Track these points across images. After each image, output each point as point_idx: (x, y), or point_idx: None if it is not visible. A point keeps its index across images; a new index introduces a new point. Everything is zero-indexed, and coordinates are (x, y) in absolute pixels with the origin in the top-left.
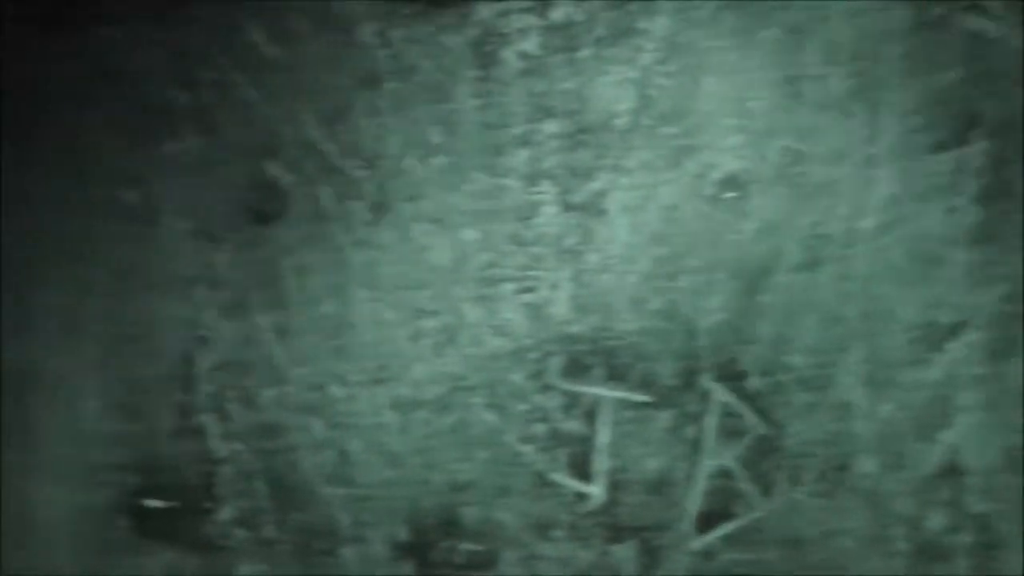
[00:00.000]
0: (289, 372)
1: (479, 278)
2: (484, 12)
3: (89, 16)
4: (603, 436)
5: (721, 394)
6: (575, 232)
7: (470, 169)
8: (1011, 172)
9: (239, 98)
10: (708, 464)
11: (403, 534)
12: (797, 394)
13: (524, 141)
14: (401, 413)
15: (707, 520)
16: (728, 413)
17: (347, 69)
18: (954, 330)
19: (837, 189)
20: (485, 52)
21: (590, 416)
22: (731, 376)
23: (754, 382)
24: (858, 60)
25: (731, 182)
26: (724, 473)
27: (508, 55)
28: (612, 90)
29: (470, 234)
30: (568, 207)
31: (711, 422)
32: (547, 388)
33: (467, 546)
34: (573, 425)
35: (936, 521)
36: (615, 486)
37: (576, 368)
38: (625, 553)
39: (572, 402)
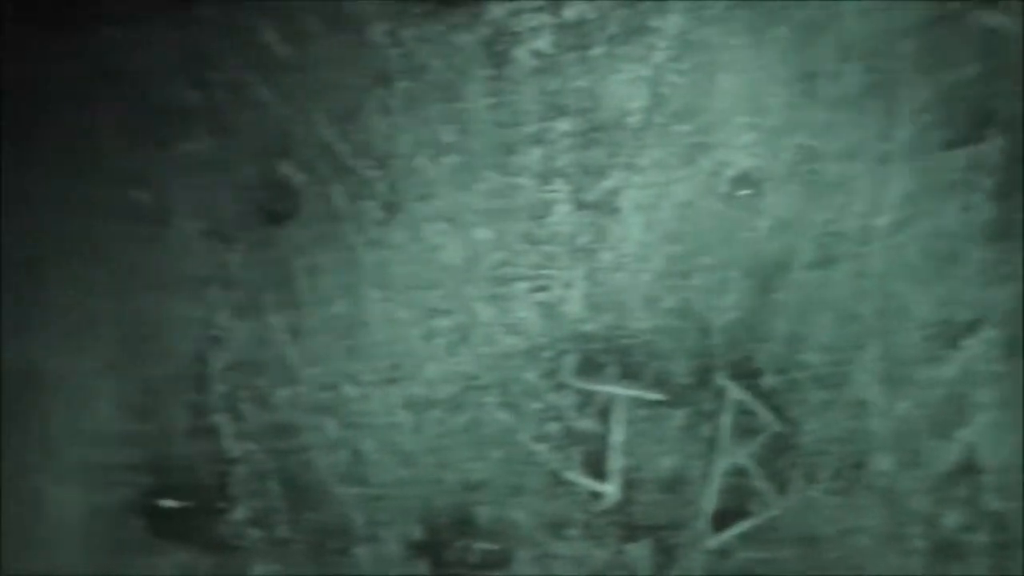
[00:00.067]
0: (302, 372)
1: (492, 277)
2: (496, 11)
3: (98, 16)
4: (617, 435)
5: (736, 392)
6: (588, 230)
7: (482, 168)
8: None
9: (251, 98)
10: (723, 462)
11: (417, 533)
12: (812, 392)
13: (537, 139)
14: (414, 412)
15: (722, 518)
16: (743, 411)
17: (358, 69)
18: (970, 327)
19: (852, 186)
20: (497, 51)
21: (604, 415)
22: (746, 374)
23: (769, 380)
24: (872, 57)
25: (745, 180)
26: (739, 471)
27: (520, 54)
28: (625, 88)
29: (483, 233)
30: (581, 205)
31: (726, 420)
32: (561, 387)
33: (481, 545)
34: (587, 424)
35: (953, 519)
36: (630, 485)
37: (590, 367)
38: (640, 552)
39: (586, 401)
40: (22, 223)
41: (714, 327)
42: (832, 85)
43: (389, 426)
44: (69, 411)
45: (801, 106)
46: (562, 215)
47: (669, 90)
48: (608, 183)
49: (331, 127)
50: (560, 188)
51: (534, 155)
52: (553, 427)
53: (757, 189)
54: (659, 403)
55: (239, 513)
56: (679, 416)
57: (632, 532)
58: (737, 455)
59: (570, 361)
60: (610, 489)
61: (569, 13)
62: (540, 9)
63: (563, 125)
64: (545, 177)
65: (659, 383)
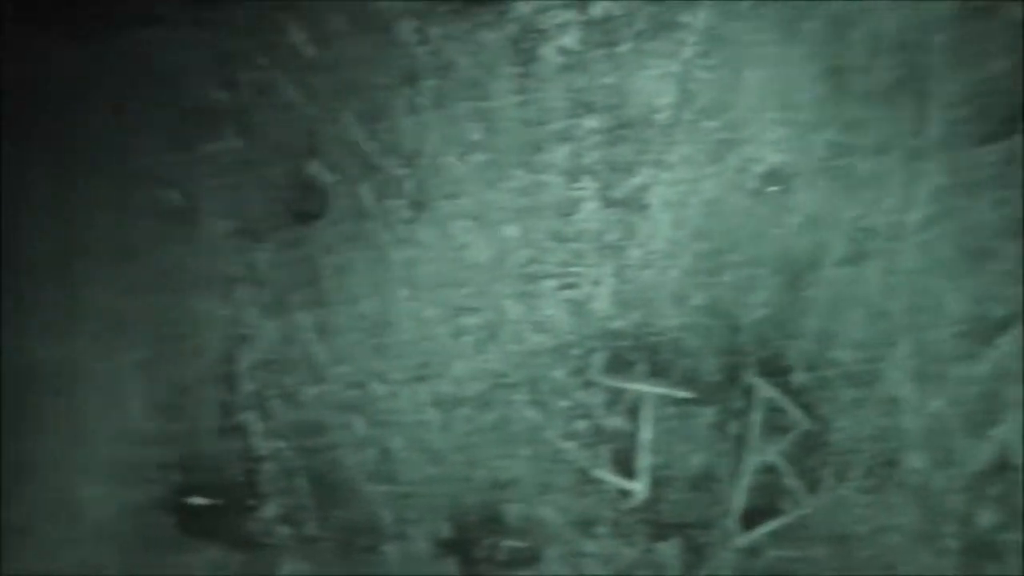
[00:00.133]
0: (330, 370)
1: (520, 275)
2: (522, 8)
3: (128, 18)
4: (646, 432)
5: (765, 390)
6: (617, 228)
7: (510, 166)
8: None
9: (279, 98)
10: (753, 460)
11: (445, 531)
12: (843, 389)
13: (564, 137)
14: (442, 410)
15: (752, 517)
16: (773, 409)
17: (386, 68)
18: (1004, 324)
19: (883, 182)
20: (524, 48)
21: (633, 412)
22: (776, 371)
23: (799, 377)
24: (903, 51)
25: (774, 176)
26: (769, 469)
27: (547, 51)
28: (653, 84)
29: (510, 231)
30: (609, 203)
31: (755, 418)
32: (589, 384)
33: (510, 543)
34: (616, 421)
35: (986, 518)
36: (658, 483)
37: (618, 364)
38: (669, 550)
39: (615, 398)
40: (53, 223)
41: (743, 324)
42: (863, 80)
43: (417, 424)
44: (100, 410)
45: (831, 101)
46: (590, 212)
47: (697, 86)
48: (636, 180)
49: (359, 126)
50: (588, 185)
51: (562, 152)
52: (581, 425)
53: (787, 185)
54: (688, 401)
55: (268, 511)
56: (708, 414)
57: (661, 530)
58: (767, 453)
59: (598, 359)
60: (639, 487)
61: (596, 10)
62: (567, 6)
63: (591, 122)
64: (573, 174)
65: (688, 381)
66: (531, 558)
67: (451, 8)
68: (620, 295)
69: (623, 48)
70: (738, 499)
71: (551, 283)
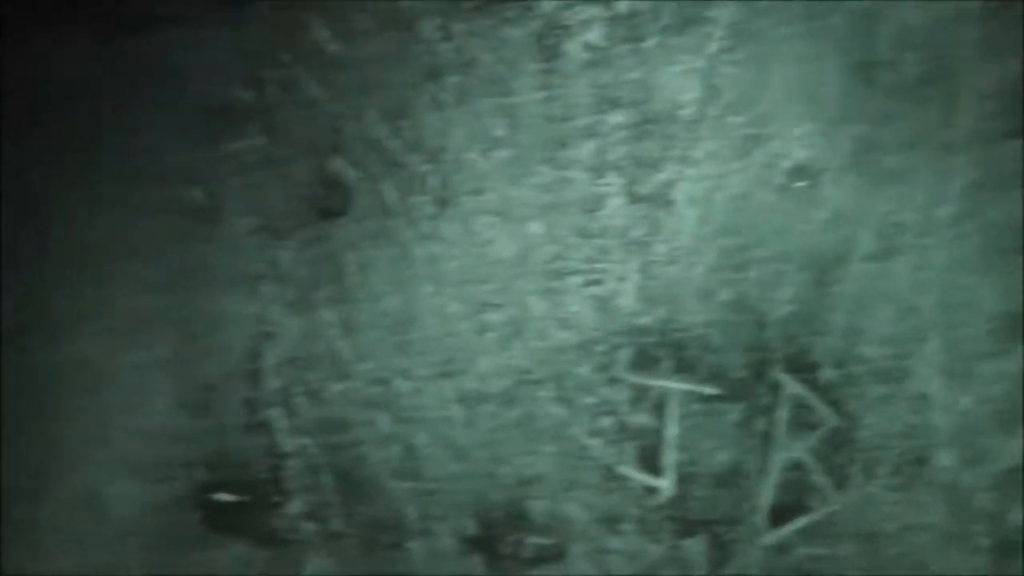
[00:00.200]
0: (355, 367)
1: (545, 271)
2: (547, 4)
3: (151, 17)
4: (672, 429)
5: (792, 386)
6: (642, 224)
7: (534, 162)
8: None
9: (302, 95)
10: (780, 457)
11: (471, 528)
12: (871, 386)
13: (589, 133)
14: (467, 407)
15: (780, 514)
16: (800, 405)
17: (409, 64)
18: None
19: (912, 177)
20: (548, 44)
21: (658, 409)
22: (803, 368)
23: (826, 374)
24: (931, 45)
25: (801, 171)
26: (797, 466)
27: (572, 47)
28: (678, 80)
29: (535, 227)
30: (635, 198)
31: (782, 415)
32: (614, 381)
33: (535, 540)
34: (641, 418)
35: (1017, 517)
36: (684, 479)
37: (644, 361)
38: (696, 547)
39: (640, 395)
40: (78, 222)
41: (770, 320)
42: (890, 74)
43: (442, 420)
44: (125, 407)
45: (859, 96)
46: (615, 208)
47: (723, 81)
48: (662, 176)
49: (382, 123)
50: (613, 181)
51: (586, 148)
52: (607, 421)
53: (814, 181)
54: (714, 397)
55: (293, 507)
56: (735, 410)
57: (687, 527)
58: (794, 450)
59: (624, 355)
60: (665, 484)
61: (621, 5)
62: (592, 2)
63: (616, 118)
64: (598, 170)
65: (714, 377)
66: (556, 555)
67: (475, 5)
68: (645, 291)
69: (648, 43)
70: (765, 496)
71: (576, 279)
